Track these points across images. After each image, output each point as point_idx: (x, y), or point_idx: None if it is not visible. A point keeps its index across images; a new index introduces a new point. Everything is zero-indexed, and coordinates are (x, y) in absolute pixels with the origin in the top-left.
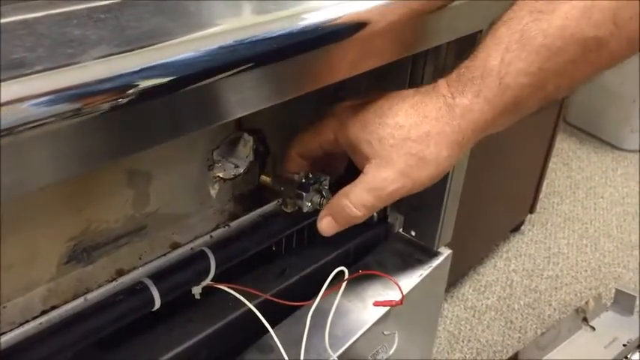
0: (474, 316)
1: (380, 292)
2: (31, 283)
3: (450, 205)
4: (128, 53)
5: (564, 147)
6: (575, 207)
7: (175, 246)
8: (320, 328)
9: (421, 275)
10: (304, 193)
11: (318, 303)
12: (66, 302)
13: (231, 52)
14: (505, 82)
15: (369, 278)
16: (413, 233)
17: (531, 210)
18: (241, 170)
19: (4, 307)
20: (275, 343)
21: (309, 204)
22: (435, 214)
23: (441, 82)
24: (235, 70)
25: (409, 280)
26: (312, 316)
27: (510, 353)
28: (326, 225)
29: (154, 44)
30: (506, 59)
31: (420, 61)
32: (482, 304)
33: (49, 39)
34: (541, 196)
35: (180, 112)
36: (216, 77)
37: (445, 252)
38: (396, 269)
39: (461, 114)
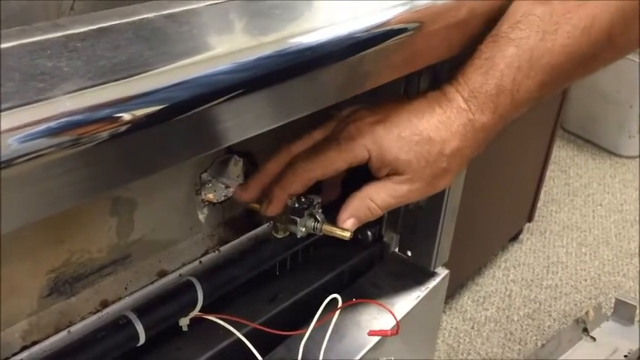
0: (473, 328)
1: (375, 317)
2: (11, 317)
3: (446, 225)
4: (100, 86)
5: (562, 154)
6: (573, 215)
7: (163, 274)
8: (313, 357)
9: (418, 297)
10: (298, 219)
11: (311, 330)
12: (48, 337)
13: (214, 80)
14: (516, 99)
15: (363, 302)
16: (409, 253)
17: (529, 218)
18: (232, 191)
19: None
20: None
21: (303, 229)
22: (431, 234)
23: (456, 96)
24: (209, 104)
25: (405, 303)
26: (305, 344)
27: None
28: (351, 225)
29: (127, 76)
30: (518, 78)
31: (414, 76)
32: (481, 316)
33: (19, 72)
34: (539, 204)
35: (164, 144)
36: (192, 111)
37: (442, 272)
38: (392, 291)
39: (481, 129)
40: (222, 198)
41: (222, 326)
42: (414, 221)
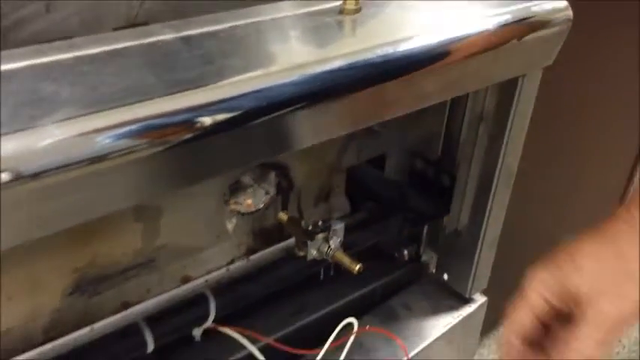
0: None
1: (393, 345)
2: (34, 312)
3: (484, 252)
4: (91, 115)
5: None
6: None
7: (186, 280)
8: None
9: (448, 324)
10: (309, 241)
11: (331, 350)
12: (69, 333)
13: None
14: None
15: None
16: (445, 276)
17: None
18: (271, 195)
19: (5, 334)
20: None
21: (315, 252)
22: (468, 258)
23: None
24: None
25: (434, 329)
26: None
27: None
28: None
29: (121, 105)
30: None
31: (460, 104)
32: None
33: (17, 97)
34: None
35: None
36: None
37: (479, 300)
38: (422, 315)
39: None
40: (261, 205)
41: (237, 339)
42: (454, 243)
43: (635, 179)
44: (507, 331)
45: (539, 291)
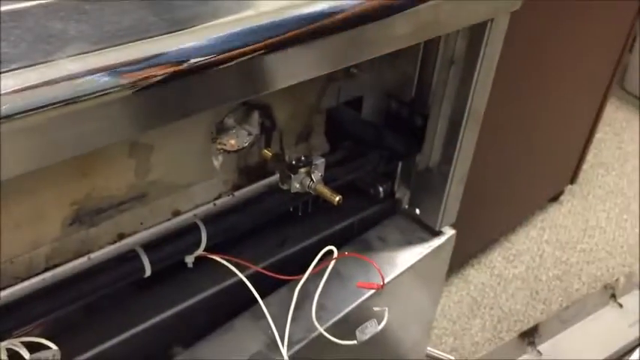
0: (499, 284)
1: (371, 270)
2: (37, 241)
3: (454, 188)
4: (101, 51)
5: (618, 116)
6: (620, 180)
7: (177, 213)
8: (309, 302)
9: (420, 254)
10: (292, 175)
11: (311, 278)
12: (68, 261)
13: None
14: None
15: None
16: (417, 211)
17: (572, 180)
18: (253, 135)
19: (11, 263)
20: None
21: (298, 185)
22: (438, 194)
23: None
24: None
25: (407, 258)
26: (304, 291)
27: (531, 324)
28: None
29: (127, 42)
30: None
31: (432, 47)
32: (509, 273)
33: (32, 33)
34: (586, 166)
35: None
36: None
37: (448, 232)
38: (396, 246)
39: None
40: (244, 144)
41: (226, 266)
42: (426, 180)
43: (599, 124)
44: None
45: None
